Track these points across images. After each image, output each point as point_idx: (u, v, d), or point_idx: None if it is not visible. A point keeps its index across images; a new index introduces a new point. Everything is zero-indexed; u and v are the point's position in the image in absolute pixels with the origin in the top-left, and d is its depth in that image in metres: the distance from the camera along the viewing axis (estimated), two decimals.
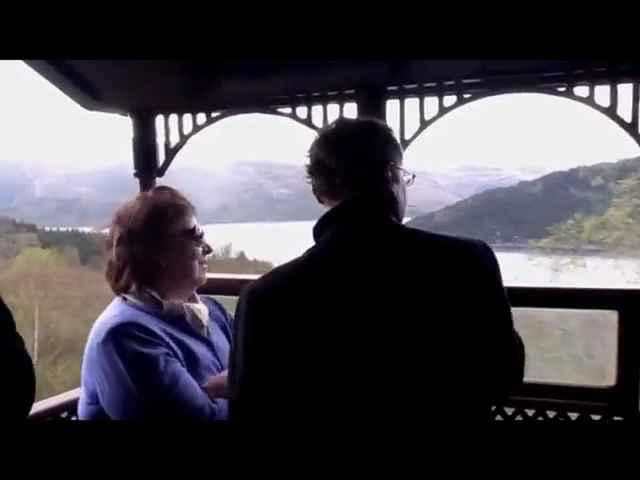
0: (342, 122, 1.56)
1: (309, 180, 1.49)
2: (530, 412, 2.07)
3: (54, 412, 2.15)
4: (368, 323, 1.25)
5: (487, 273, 1.35)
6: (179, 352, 1.68)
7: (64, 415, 2.17)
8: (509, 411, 2.08)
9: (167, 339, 1.67)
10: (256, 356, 1.28)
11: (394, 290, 1.28)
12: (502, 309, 1.37)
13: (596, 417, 2.01)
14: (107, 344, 1.58)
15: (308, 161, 1.48)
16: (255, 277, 1.37)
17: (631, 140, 1.92)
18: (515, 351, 1.39)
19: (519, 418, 2.07)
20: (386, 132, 1.50)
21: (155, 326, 1.66)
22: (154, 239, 1.73)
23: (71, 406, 2.14)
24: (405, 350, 1.25)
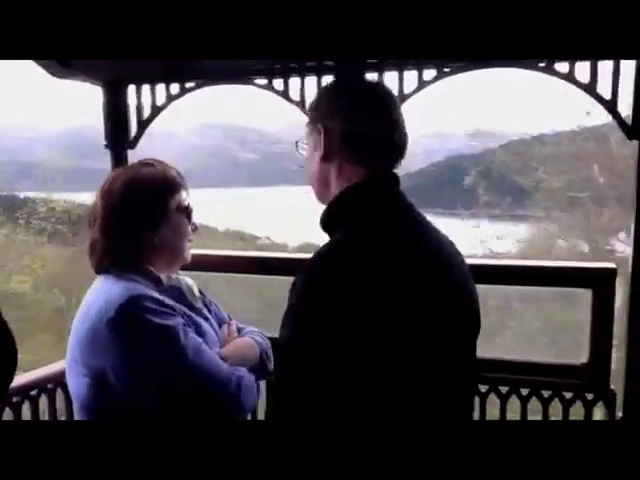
0: (374, 82, 1.57)
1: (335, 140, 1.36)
2: (504, 389, 2.09)
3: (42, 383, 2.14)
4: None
5: None
6: (190, 324, 1.61)
7: (50, 386, 2.16)
8: (483, 388, 2.10)
9: (178, 311, 1.59)
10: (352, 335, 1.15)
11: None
12: None
13: (568, 394, 2.05)
14: (121, 320, 1.48)
15: (343, 118, 1.35)
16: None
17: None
18: None
19: (493, 396, 2.09)
20: None
21: (164, 299, 1.58)
22: (149, 216, 1.65)
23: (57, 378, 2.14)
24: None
